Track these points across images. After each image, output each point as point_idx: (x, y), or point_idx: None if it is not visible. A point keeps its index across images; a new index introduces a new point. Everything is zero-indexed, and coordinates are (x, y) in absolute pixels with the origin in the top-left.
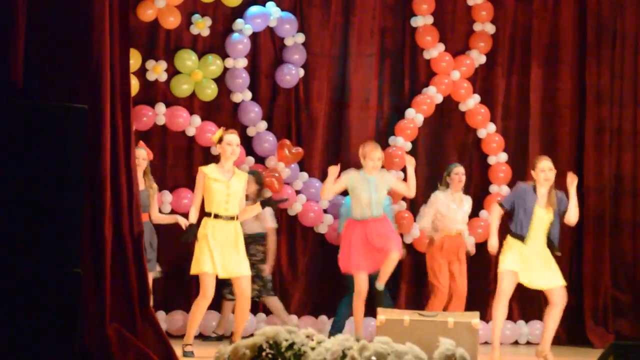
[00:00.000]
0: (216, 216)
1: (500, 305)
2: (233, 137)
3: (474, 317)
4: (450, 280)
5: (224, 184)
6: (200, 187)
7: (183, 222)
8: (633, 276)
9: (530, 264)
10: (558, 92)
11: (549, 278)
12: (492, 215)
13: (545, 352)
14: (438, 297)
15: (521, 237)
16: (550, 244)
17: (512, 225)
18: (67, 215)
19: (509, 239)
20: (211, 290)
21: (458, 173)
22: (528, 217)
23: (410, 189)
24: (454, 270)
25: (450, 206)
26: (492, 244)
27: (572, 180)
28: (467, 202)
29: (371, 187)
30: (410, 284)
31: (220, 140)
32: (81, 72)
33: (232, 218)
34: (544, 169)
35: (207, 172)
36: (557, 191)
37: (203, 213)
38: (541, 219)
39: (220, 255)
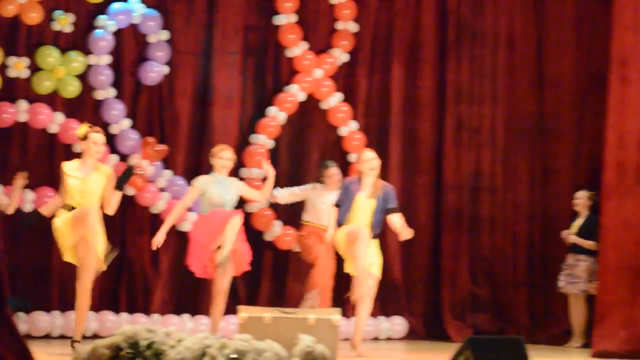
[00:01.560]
0: (72, 209)
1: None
2: (99, 137)
3: (334, 314)
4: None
5: (80, 180)
6: (62, 182)
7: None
8: (490, 271)
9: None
10: (419, 90)
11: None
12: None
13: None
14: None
15: (339, 225)
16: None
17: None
18: None
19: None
20: None
21: (334, 174)
22: (349, 205)
23: (263, 193)
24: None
25: (320, 201)
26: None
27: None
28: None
29: (222, 187)
30: (271, 281)
31: (85, 137)
32: None
33: None
34: (368, 159)
35: (65, 169)
36: (386, 184)
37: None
38: (363, 208)
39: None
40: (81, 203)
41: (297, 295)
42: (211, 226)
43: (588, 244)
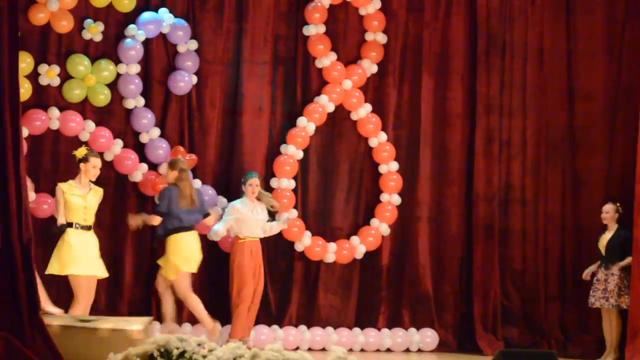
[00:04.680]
0: (76, 226)
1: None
2: (98, 161)
3: (136, 324)
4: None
5: (82, 198)
6: (60, 202)
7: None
8: (521, 284)
9: None
10: (448, 101)
11: None
12: None
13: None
14: (245, 302)
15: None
16: None
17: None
18: None
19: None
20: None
21: (252, 184)
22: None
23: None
24: (258, 275)
25: (248, 213)
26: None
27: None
28: (263, 211)
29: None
30: (301, 292)
31: (84, 159)
32: None
33: (89, 228)
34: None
35: (65, 189)
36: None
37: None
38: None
39: (85, 258)
40: (85, 219)
41: (328, 305)
42: None
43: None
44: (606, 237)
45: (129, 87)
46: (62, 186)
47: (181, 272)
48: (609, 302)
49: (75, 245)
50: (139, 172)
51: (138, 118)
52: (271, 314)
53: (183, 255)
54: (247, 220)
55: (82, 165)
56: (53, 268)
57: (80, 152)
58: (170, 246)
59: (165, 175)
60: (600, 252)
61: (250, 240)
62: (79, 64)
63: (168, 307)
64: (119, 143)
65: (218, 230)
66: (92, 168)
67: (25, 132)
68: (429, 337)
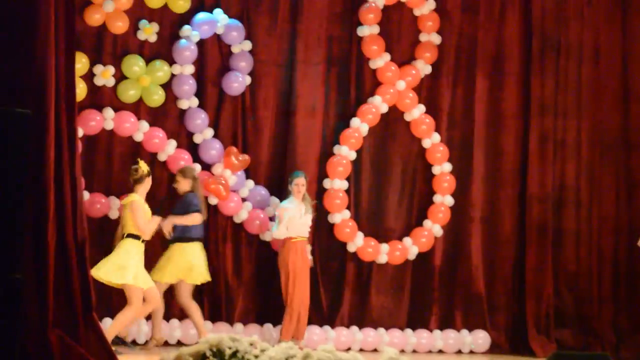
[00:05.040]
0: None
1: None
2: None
3: None
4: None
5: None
6: (142, 214)
7: None
8: (575, 285)
9: None
10: (503, 102)
11: None
12: None
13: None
14: (298, 302)
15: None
16: None
17: None
18: (9, 220)
19: None
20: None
21: (297, 184)
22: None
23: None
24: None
25: (296, 213)
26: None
27: None
28: (309, 210)
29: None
30: (354, 292)
31: (149, 174)
32: (25, 76)
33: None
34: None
35: (142, 204)
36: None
37: None
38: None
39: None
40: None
41: (380, 306)
42: None
43: None
44: None
45: (183, 88)
46: (141, 199)
47: (181, 281)
48: None
49: (141, 258)
50: None
51: (192, 118)
52: (323, 314)
53: (188, 265)
54: (295, 219)
55: (147, 179)
56: (117, 276)
57: (146, 167)
58: (177, 252)
59: (178, 182)
60: None
61: (300, 239)
62: (134, 64)
63: (196, 316)
64: (173, 143)
65: (279, 232)
66: (149, 185)
67: (80, 132)
68: (481, 338)
